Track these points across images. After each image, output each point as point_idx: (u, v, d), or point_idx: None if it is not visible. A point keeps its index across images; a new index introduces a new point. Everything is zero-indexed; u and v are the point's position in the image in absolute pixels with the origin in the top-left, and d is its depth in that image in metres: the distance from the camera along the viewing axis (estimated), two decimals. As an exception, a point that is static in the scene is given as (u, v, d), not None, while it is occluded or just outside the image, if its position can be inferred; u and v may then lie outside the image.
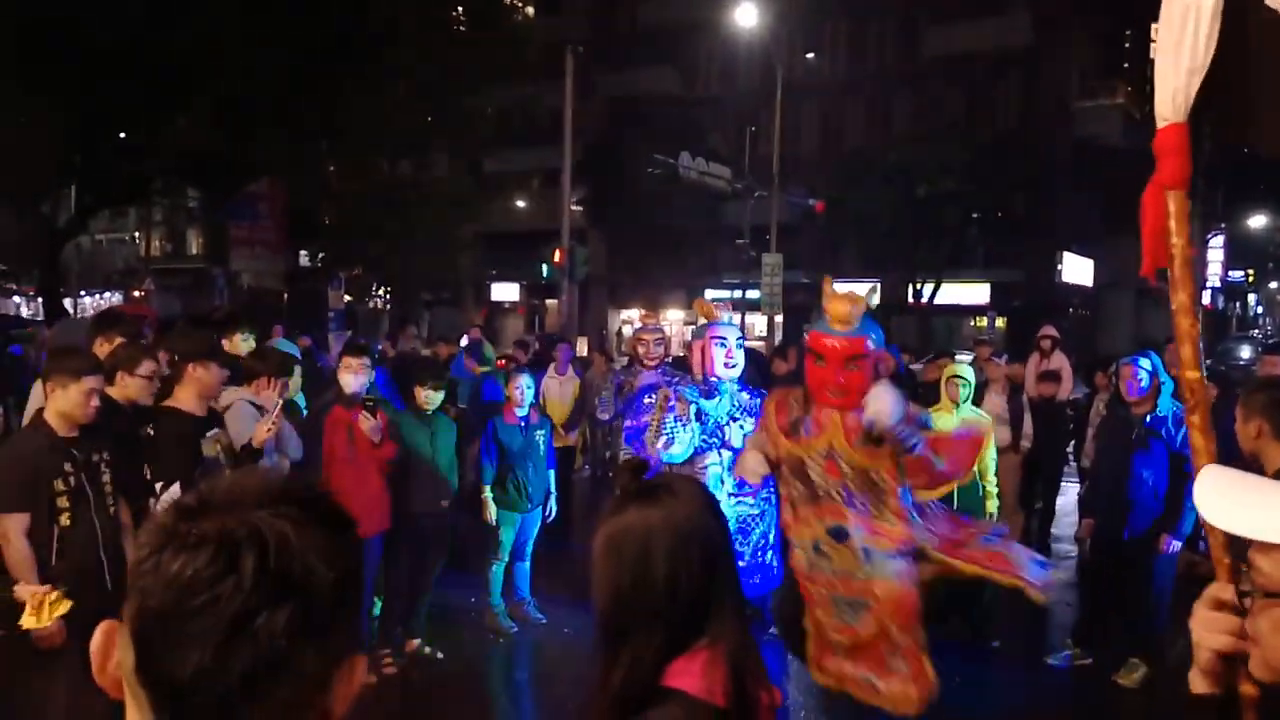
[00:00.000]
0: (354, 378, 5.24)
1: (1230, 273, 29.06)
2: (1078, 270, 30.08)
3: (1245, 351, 25.24)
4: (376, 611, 5.75)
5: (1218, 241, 34.77)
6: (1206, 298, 30.47)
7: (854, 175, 25.69)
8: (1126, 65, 33.11)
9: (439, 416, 5.77)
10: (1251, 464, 3.25)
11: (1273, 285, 53.77)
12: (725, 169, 22.39)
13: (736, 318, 6.65)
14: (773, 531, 6.22)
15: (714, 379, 6.19)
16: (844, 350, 4.21)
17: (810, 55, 29.39)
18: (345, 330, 16.82)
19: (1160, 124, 1.49)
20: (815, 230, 26.02)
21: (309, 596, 0.80)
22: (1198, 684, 1.28)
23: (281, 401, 4.80)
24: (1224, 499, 1.18)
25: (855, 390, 4.19)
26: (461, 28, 20.37)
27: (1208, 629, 1.26)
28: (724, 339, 6.25)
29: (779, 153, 22.38)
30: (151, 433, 4.13)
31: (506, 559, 6.23)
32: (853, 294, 4.37)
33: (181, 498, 0.85)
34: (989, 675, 5.51)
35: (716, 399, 6.18)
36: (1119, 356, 8.19)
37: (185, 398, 4.23)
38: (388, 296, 22.70)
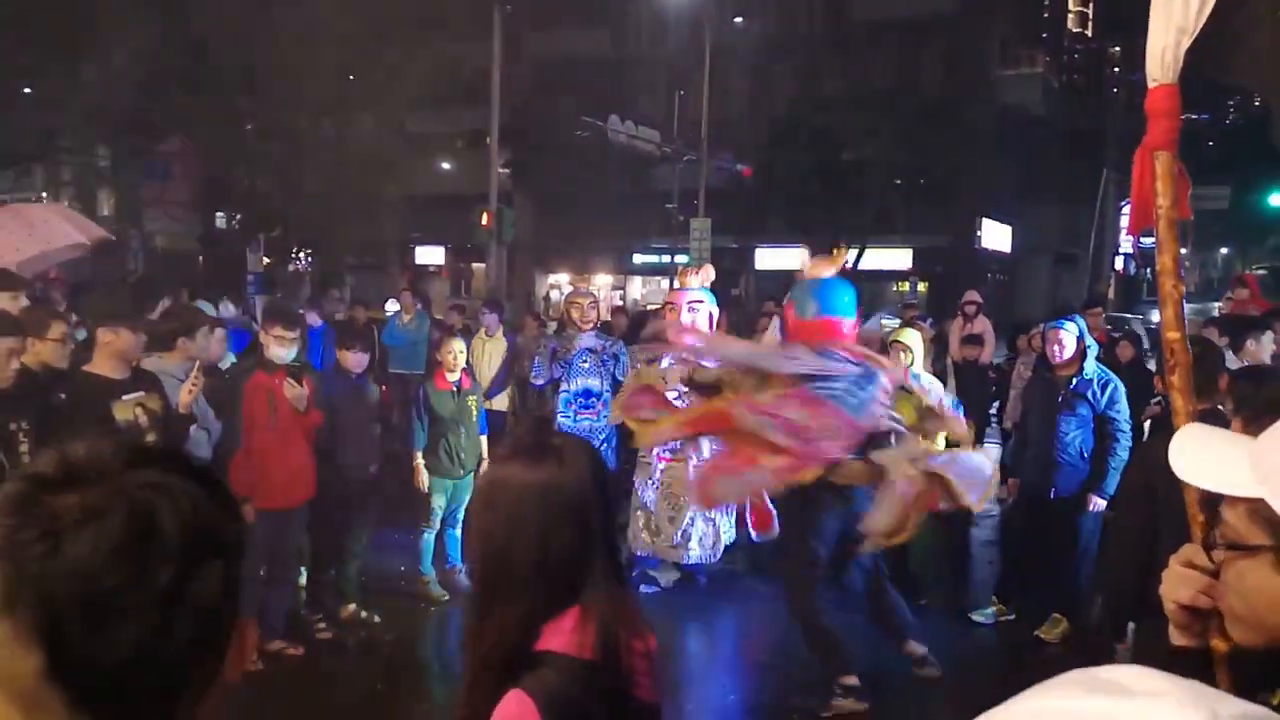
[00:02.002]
0: (281, 349, 5.04)
1: (1143, 239, 29.98)
2: (997, 237, 30.79)
3: (1156, 315, 26.18)
4: (304, 580, 5.62)
5: (1130, 209, 35.79)
6: (1119, 263, 31.47)
7: (781, 140, 25.77)
8: (1045, 35, 33.79)
9: (365, 380, 5.65)
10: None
11: (1183, 251, 55.85)
12: (654, 133, 22.23)
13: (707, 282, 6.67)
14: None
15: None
16: (809, 331, 4.45)
17: (738, 19, 29.25)
18: (266, 294, 16.32)
19: (1150, 84, 1.45)
20: (743, 195, 26.08)
21: (228, 551, 0.77)
22: (1176, 638, 1.32)
23: (199, 362, 4.60)
24: (1195, 455, 1.20)
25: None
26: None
27: (1174, 584, 1.30)
28: (676, 305, 6.38)
29: (707, 117, 22.29)
30: (62, 397, 3.92)
31: (438, 526, 6.14)
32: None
33: (27, 472, 0.75)
34: (917, 631, 5.60)
35: (666, 363, 6.27)
36: (1038, 321, 8.42)
37: (99, 361, 4.04)
38: (309, 259, 22.02)
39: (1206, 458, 1.19)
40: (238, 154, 19.09)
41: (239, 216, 20.62)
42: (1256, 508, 1.11)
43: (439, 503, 6.06)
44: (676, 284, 6.53)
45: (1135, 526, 3.02)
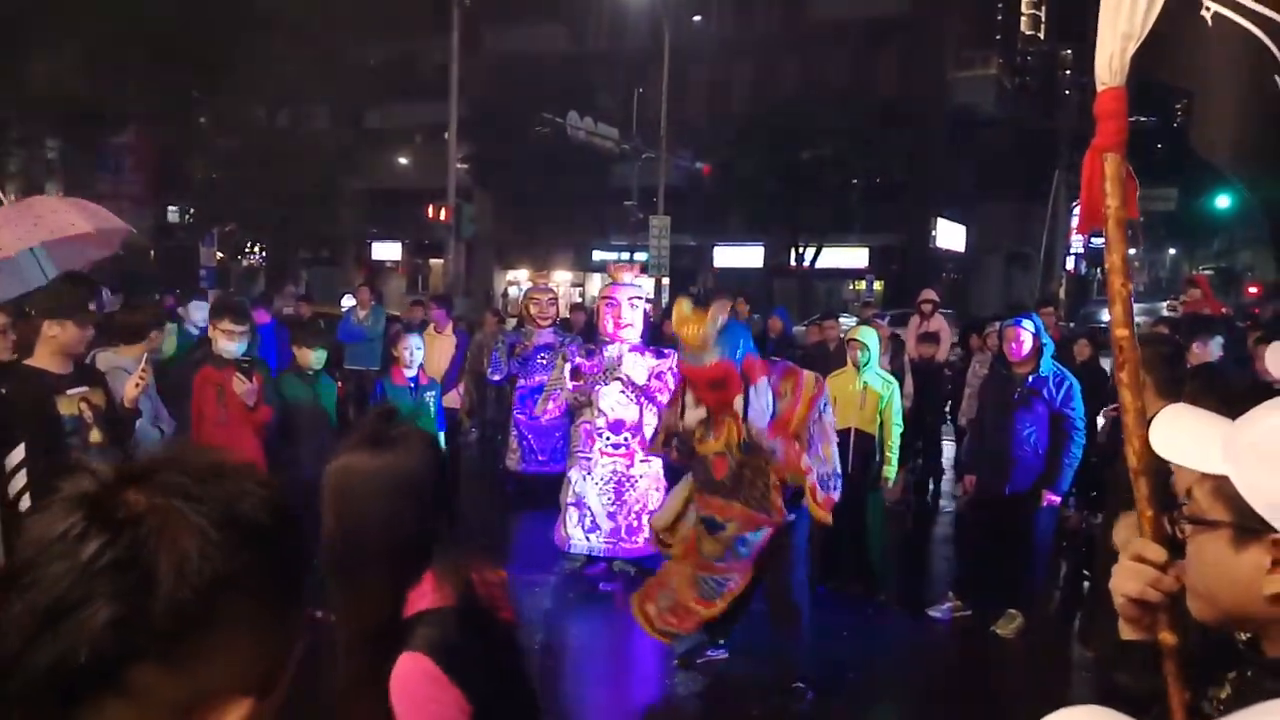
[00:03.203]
0: (230, 343, 4.95)
1: (1092, 240, 30.59)
2: (951, 236, 31.21)
3: (1105, 315, 26.65)
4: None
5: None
6: (1070, 263, 32.05)
7: (740, 138, 25.88)
8: (999, 37, 34.28)
9: (321, 377, 5.56)
10: None
11: (1131, 251, 57.03)
12: (613, 130, 22.22)
13: (643, 279, 6.71)
14: (658, 494, 6.26)
15: (605, 339, 6.28)
16: (708, 376, 4.37)
17: (697, 18, 29.31)
18: (218, 289, 16.03)
19: (1099, 87, 1.49)
20: (702, 193, 26.16)
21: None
22: (1126, 631, 1.35)
23: (148, 356, 4.50)
24: (1172, 432, 1.25)
25: (727, 405, 4.43)
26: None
27: (1123, 577, 1.32)
28: (613, 299, 6.29)
29: (666, 115, 22.32)
30: (3, 392, 3.81)
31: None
32: (699, 314, 4.37)
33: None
34: (875, 627, 5.67)
35: (597, 359, 6.29)
36: (992, 319, 8.54)
37: (42, 355, 3.94)
38: (263, 254, 21.70)
39: (1182, 435, 1.24)
40: (191, 147, 18.77)
41: (192, 210, 20.25)
42: (1221, 485, 1.14)
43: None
44: (611, 279, 6.58)
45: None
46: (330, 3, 17.37)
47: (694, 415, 4.59)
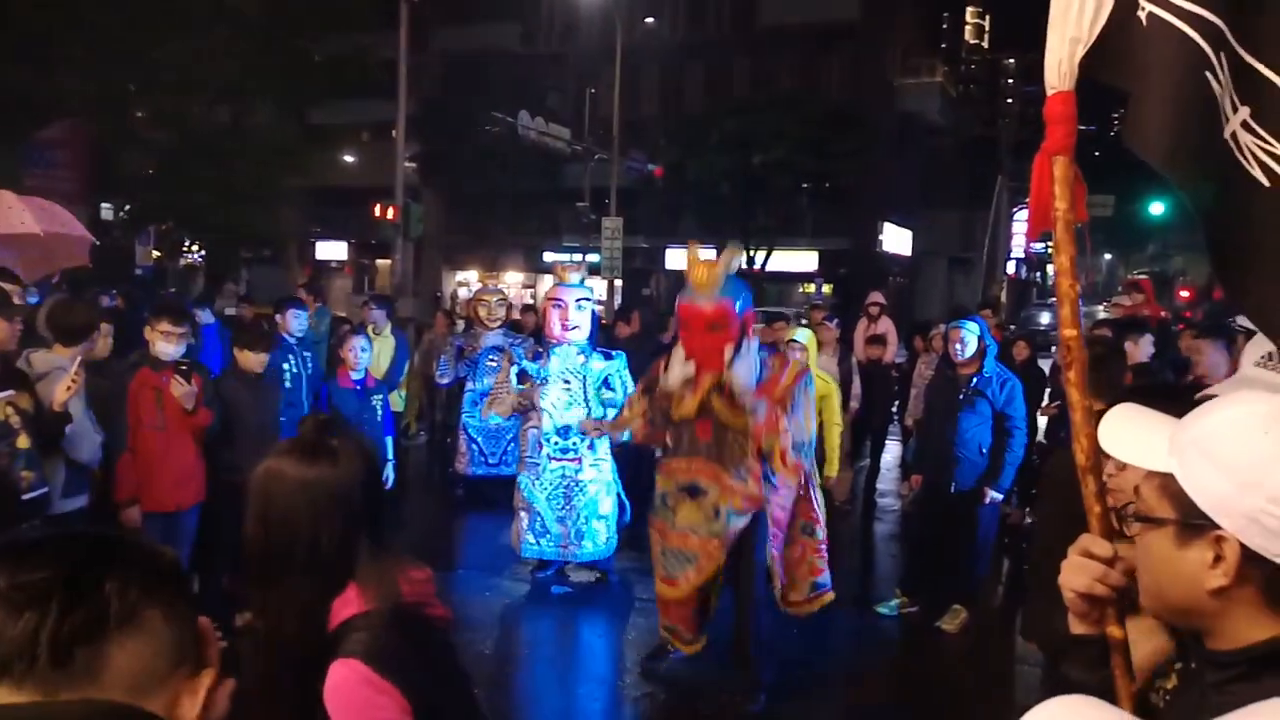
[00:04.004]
0: (171, 347, 4.82)
1: (1033, 244, 31.28)
2: (897, 240, 31.66)
3: (1045, 317, 27.25)
4: (195, 588, 5.39)
5: (1023, 215, 37.33)
6: (1011, 268, 32.70)
7: (692, 141, 25.97)
8: (944, 46, 34.89)
9: (263, 380, 5.43)
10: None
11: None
12: (565, 130, 22.15)
13: (591, 281, 6.63)
14: (608, 498, 6.23)
15: (552, 341, 6.20)
16: (707, 317, 4.44)
17: (649, 20, 29.37)
18: (156, 288, 15.65)
19: (1049, 91, 1.50)
20: (654, 195, 26.20)
21: None
22: (1075, 626, 1.36)
23: (81, 358, 4.35)
24: (1120, 430, 1.27)
25: (717, 353, 4.44)
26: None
27: (1072, 572, 1.33)
28: (560, 301, 6.22)
29: (618, 116, 22.31)
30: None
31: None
32: (712, 260, 4.53)
33: None
34: (824, 624, 5.68)
35: (543, 361, 6.19)
36: (937, 322, 8.67)
37: (-37, 357, 3.79)
38: (202, 253, 21.20)
39: (1130, 433, 1.25)
40: (127, 141, 18.28)
41: (128, 207, 19.71)
42: (1166, 482, 1.16)
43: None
44: (557, 280, 6.50)
45: (1063, 521, 3.11)
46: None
47: (680, 373, 4.58)
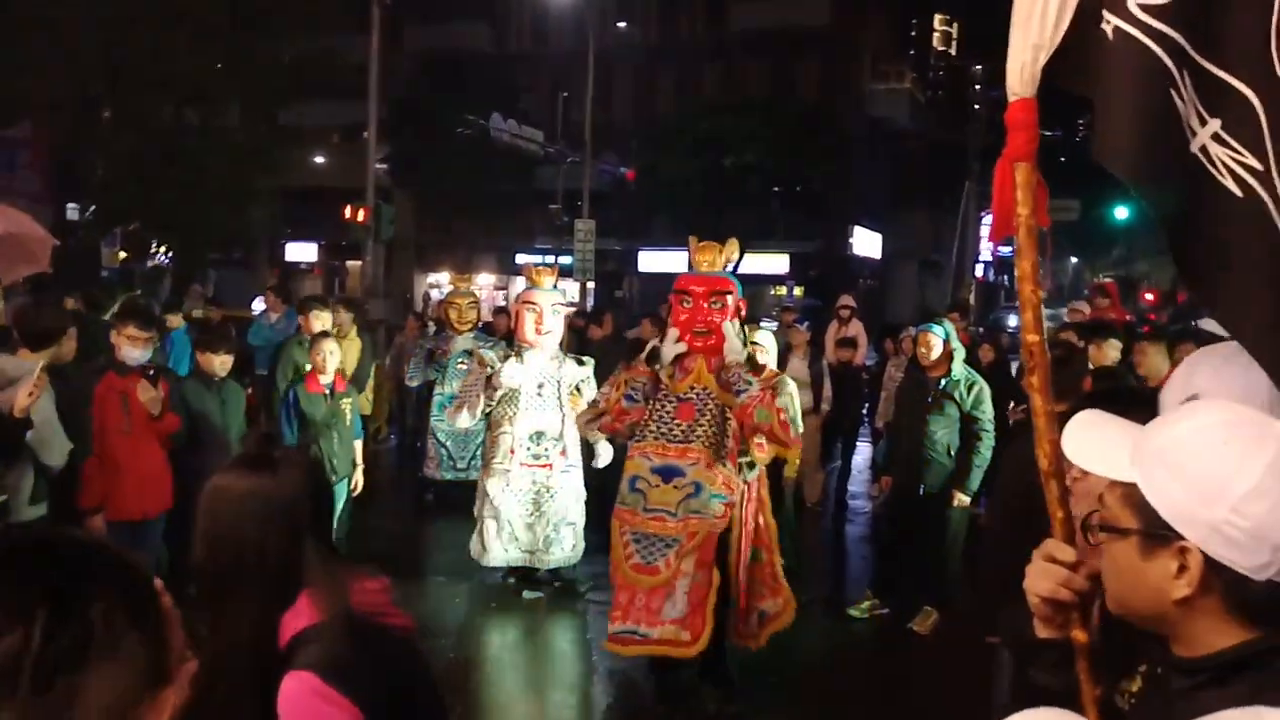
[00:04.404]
0: (137, 351, 4.75)
1: (1000, 248, 31.60)
2: (867, 243, 31.88)
3: (1013, 320, 27.51)
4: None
5: (990, 219, 37.58)
6: (979, 271, 33.02)
7: (664, 144, 26.01)
8: (913, 52, 35.18)
9: (228, 384, 5.37)
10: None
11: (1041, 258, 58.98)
12: (538, 132, 22.08)
13: (564, 284, 6.60)
14: (577, 505, 6.16)
15: (525, 345, 6.13)
16: (709, 285, 4.64)
17: (622, 24, 29.39)
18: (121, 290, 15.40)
19: (1011, 98, 1.51)
20: (627, 198, 26.21)
21: None
22: (1040, 630, 1.37)
23: (41, 364, 4.27)
24: (1084, 438, 1.27)
25: (718, 330, 4.59)
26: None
27: (1035, 577, 1.34)
28: (534, 304, 6.16)
29: (591, 119, 22.30)
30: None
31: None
32: (718, 244, 4.85)
33: None
34: (796, 628, 5.68)
35: (515, 364, 6.08)
36: (907, 325, 8.73)
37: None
38: (169, 255, 20.89)
39: (1095, 441, 1.26)
40: (92, 142, 18.01)
41: (93, 208, 19.41)
42: (1130, 491, 1.16)
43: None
44: (529, 283, 6.44)
45: (1009, 522, 3.14)
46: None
47: (672, 349, 4.62)
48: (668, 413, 4.62)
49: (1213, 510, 1.08)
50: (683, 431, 4.56)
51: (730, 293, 4.73)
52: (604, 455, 6.27)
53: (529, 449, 6.05)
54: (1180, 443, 1.13)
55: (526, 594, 6.20)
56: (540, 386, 6.11)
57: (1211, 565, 1.09)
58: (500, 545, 6.08)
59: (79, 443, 4.46)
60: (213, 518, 1.56)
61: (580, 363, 6.33)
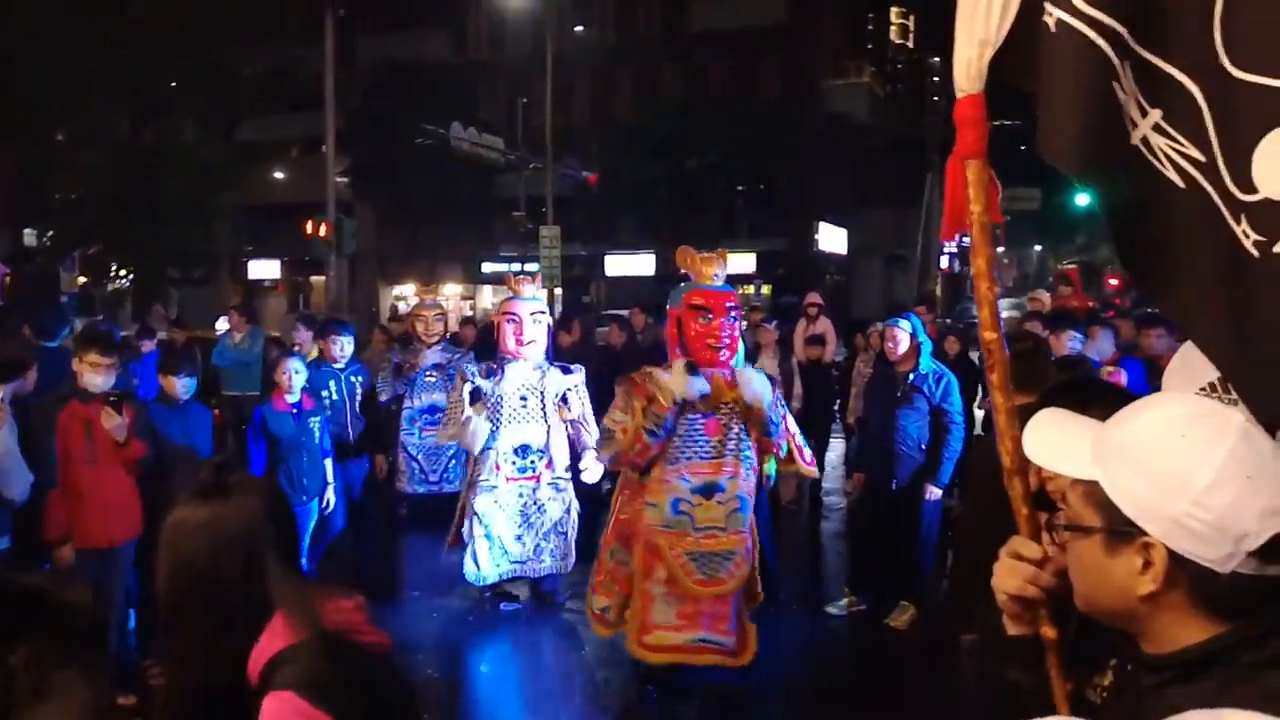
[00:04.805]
0: (100, 378, 4.68)
1: (964, 239, 31.90)
2: (833, 239, 32.05)
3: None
4: (132, 625, 5.22)
5: (952, 212, 37.81)
6: (944, 262, 33.33)
7: (626, 147, 26.01)
8: (870, 47, 35.45)
9: (194, 407, 5.29)
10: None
11: (1000, 250, 59.64)
12: (498, 140, 21.98)
13: (543, 292, 6.53)
14: (568, 516, 6.07)
15: (507, 357, 6.02)
16: (724, 299, 4.76)
17: (579, 28, 29.37)
18: (83, 316, 15.18)
19: (959, 94, 1.50)
20: (591, 202, 26.18)
21: None
22: (1010, 627, 1.37)
23: (5, 396, 4.20)
24: (1045, 437, 1.27)
25: (735, 343, 4.74)
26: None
27: (1003, 575, 1.34)
28: (514, 315, 6.04)
29: (551, 124, 22.25)
30: None
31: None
32: (715, 255, 4.96)
33: None
34: (777, 626, 5.69)
35: (498, 378, 5.97)
36: (874, 320, 8.77)
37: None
38: (129, 277, 20.58)
39: (1055, 440, 1.25)
40: (49, 163, 17.72)
41: (51, 232, 19.09)
42: (1092, 489, 1.16)
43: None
44: (510, 292, 6.31)
45: (979, 518, 3.15)
46: (200, 11, 16.69)
47: (685, 384, 4.58)
48: (696, 431, 4.68)
49: (1174, 504, 1.08)
50: (714, 447, 4.65)
51: (737, 305, 4.90)
52: (593, 470, 6.07)
53: (514, 463, 5.92)
54: (1139, 438, 1.13)
55: (505, 606, 6.16)
56: (524, 399, 5.96)
57: (1176, 560, 1.09)
58: (493, 562, 5.96)
59: (40, 473, 4.39)
60: (172, 550, 1.57)
61: (567, 370, 6.21)
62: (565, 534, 6.09)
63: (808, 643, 5.76)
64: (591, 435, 5.86)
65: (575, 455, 6.13)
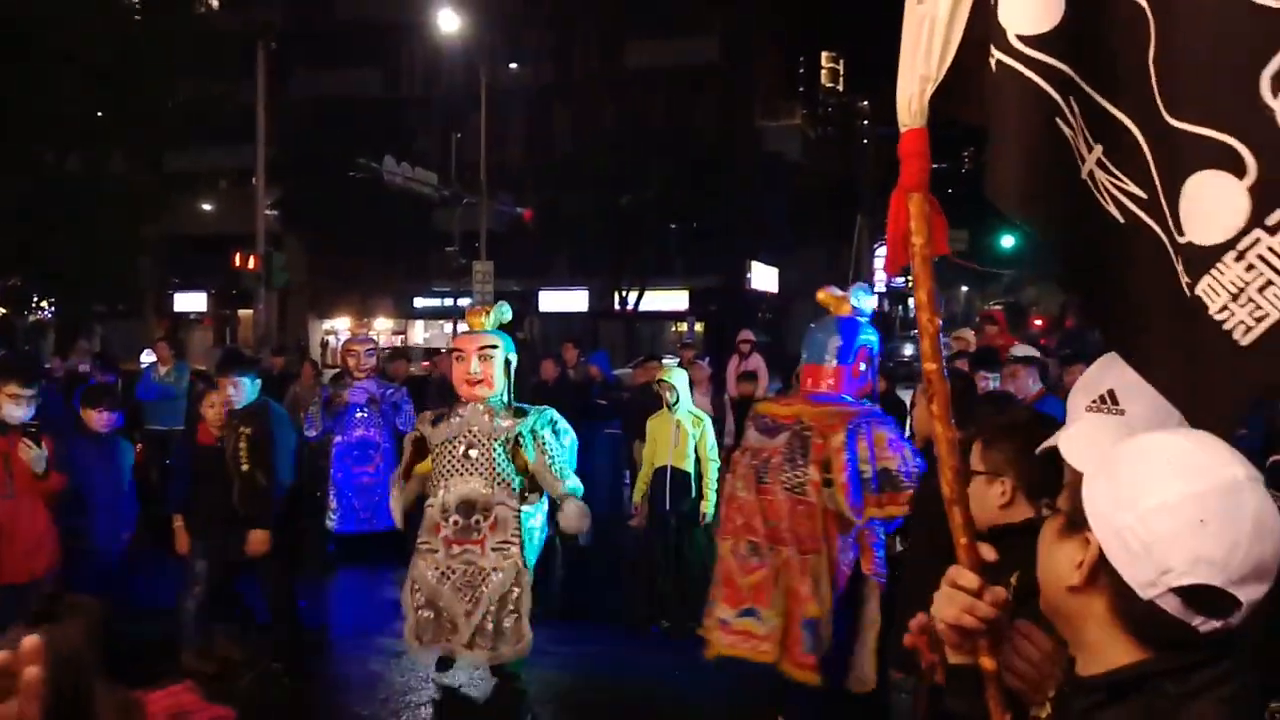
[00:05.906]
0: (17, 409, 4.51)
1: (894, 279, 32.65)
2: (765, 278, 32.53)
3: (909, 349, 28.33)
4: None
5: (883, 250, 38.74)
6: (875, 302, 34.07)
7: (560, 182, 26.12)
8: (802, 89, 36.36)
9: (116, 440, 5.13)
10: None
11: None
12: (432, 174, 21.90)
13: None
14: (519, 589, 5.10)
15: (460, 399, 5.32)
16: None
17: (513, 66, 29.52)
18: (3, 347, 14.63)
19: (901, 129, 1.53)
20: (525, 237, 26.19)
21: None
22: (951, 656, 1.38)
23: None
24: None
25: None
26: (137, 14, 18.39)
27: (941, 604, 1.36)
28: (460, 351, 5.35)
29: (486, 159, 22.25)
30: None
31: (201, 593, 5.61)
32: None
33: None
34: (704, 664, 5.53)
35: (445, 423, 5.24)
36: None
37: None
38: (52, 308, 19.91)
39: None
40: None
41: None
42: (1077, 479, 1.20)
43: (202, 567, 5.55)
44: (464, 326, 5.62)
45: (924, 553, 3.18)
46: (127, 40, 16.38)
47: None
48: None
49: (1121, 514, 1.11)
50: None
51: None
52: (573, 519, 5.18)
53: (457, 523, 5.06)
54: (1135, 449, 1.16)
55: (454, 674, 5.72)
56: (469, 449, 5.14)
57: (1106, 567, 1.12)
58: (439, 638, 5.16)
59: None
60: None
61: (524, 412, 5.31)
62: (517, 613, 5.06)
63: (740, 679, 5.70)
64: (559, 481, 5.15)
65: (554, 504, 5.31)
